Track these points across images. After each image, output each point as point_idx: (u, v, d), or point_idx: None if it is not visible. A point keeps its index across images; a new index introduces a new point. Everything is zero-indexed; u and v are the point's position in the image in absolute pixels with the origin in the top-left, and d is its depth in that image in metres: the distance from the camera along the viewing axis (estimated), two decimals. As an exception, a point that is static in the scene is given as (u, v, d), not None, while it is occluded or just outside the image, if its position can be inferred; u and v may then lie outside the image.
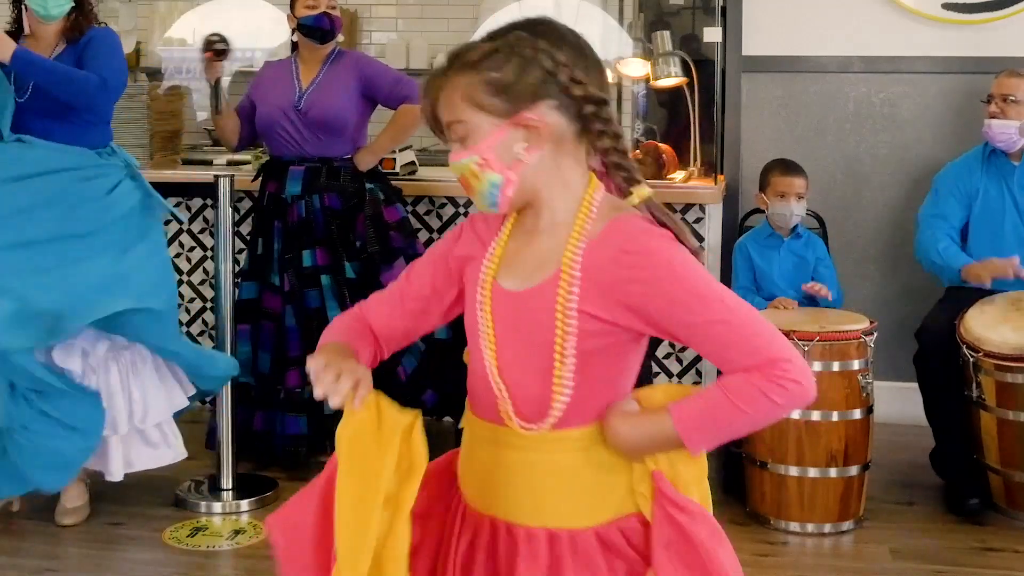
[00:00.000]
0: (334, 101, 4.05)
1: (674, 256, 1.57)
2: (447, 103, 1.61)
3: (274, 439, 4.01)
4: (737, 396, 1.55)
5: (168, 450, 3.64)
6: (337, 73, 4.10)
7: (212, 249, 4.52)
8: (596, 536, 1.64)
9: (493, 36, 1.62)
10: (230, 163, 4.83)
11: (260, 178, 4.16)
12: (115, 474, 3.56)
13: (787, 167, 4.11)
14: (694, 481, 1.69)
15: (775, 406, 1.56)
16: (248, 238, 4.28)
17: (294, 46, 4.20)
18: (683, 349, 4.51)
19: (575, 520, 1.64)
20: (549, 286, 1.60)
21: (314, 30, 4.04)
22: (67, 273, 3.35)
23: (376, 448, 1.59)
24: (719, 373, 1.61)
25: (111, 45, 3.60)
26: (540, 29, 1.61)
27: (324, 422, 3.98)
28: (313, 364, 1.61)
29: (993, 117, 3.97)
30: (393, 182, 4.32)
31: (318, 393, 1.57)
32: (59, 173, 3.45)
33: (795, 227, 4.11)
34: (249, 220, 4.40)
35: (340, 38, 4.16)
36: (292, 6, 4.10)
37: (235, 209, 3.90)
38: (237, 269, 4.04)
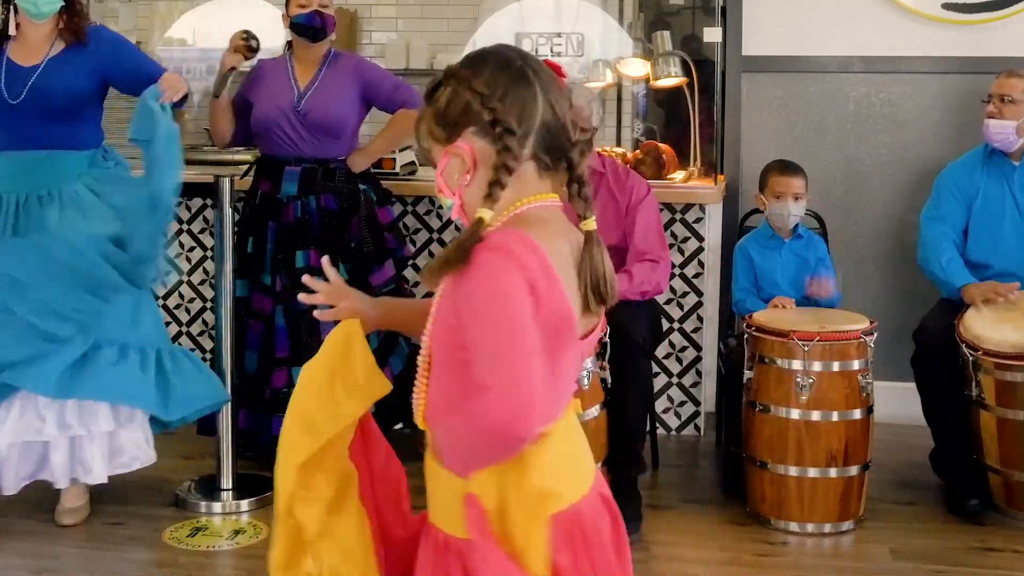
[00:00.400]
0: (334, 103, 4.05)
1: (486, 268, 1.59)
2: (420, 133, 1.75)
3: (259, 438, 4.01)
4: (458, 414, 1.60)
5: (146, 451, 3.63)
6: (336, 75, 4.10)
7: (212, 249, 4.52)
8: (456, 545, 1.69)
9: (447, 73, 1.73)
10: (230, 163, 4.80)
11: (251, 176, 4.14)
12: (98, 476, 3.54)
13: (784, 167, 4.10)
14: (524, 520, 1.64)
15: (475, 419, 1.56)
16: (236, 238, 4.27)
17: (289, 45, 4.20)
18: (683, 349, 4.52)
19: (449, 527, 1.71)
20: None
21: (306, 28, 4.05)
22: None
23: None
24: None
25: (125, 40, 3.70)
26: (473, 57, 1.72)
27: None
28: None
29: (991, 117, 3.97)
30: (393, 182, 4.33)
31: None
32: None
33: (796, 228, 4.11)
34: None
35: (332, 36, 4.16)
36: (286, 5, 4.11)
37: (235, 209, 3.90)
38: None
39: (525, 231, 1.62)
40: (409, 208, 4.51)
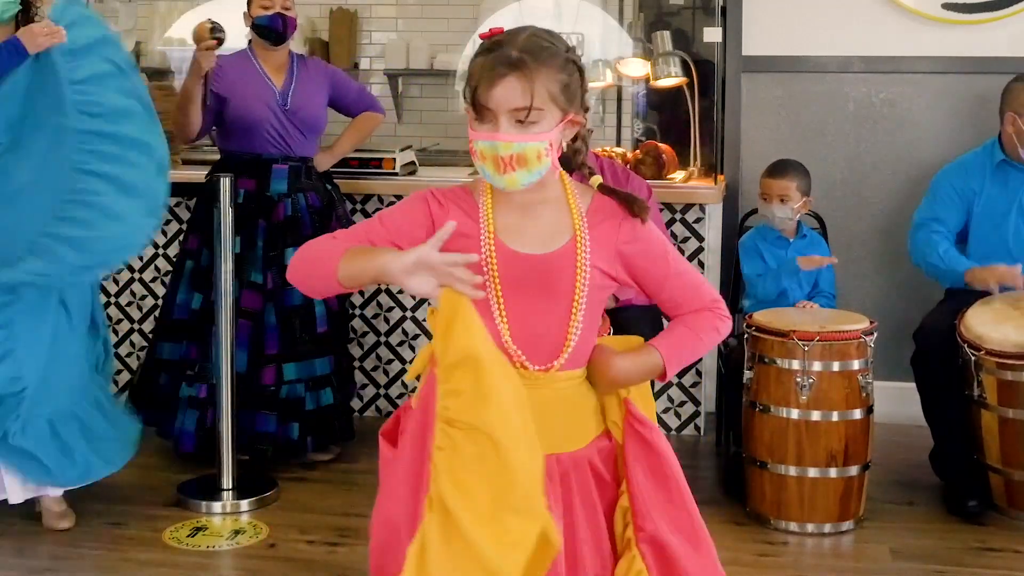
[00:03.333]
0: (315, 103, 4.17)
1: (651, 225, 2.04)
2: (536, 90, 1.90)
3: (243, 436, 4.01)
4: (697, 328, 2.06)
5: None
6: (310, 76, 4.20)
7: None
8: (583, 456, 2.03)
9: (549, 38, 1.98)
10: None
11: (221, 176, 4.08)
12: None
13: (772, 169, 4.06)
14: (646, 409, 2.09)
15: (718, 333, 2.08)
16: (183, 243, 4.29)
17: (249, 43, 4.21)
18: (683, 349, 4.51)
19: (571, 444, 2.02)
20: (569, 248, 1.98)
21: (268, 30, 4.08)
22: None
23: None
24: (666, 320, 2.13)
25: None
26: (562, 43, 2.00)
27: (307, 421, 4.03)
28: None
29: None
30: (393, 182, 4.42)
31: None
32: None
33: (800, 228, 4.10)
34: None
35: (291, 39, 4.19)
36: (248, 4, 4.11)
37: (235, 209, 3.89)
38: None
39: (599, 194, 2.05)
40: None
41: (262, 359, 4.04)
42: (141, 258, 4.76)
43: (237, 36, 4.25)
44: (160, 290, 4.71)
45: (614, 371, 2.02)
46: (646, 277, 2.04)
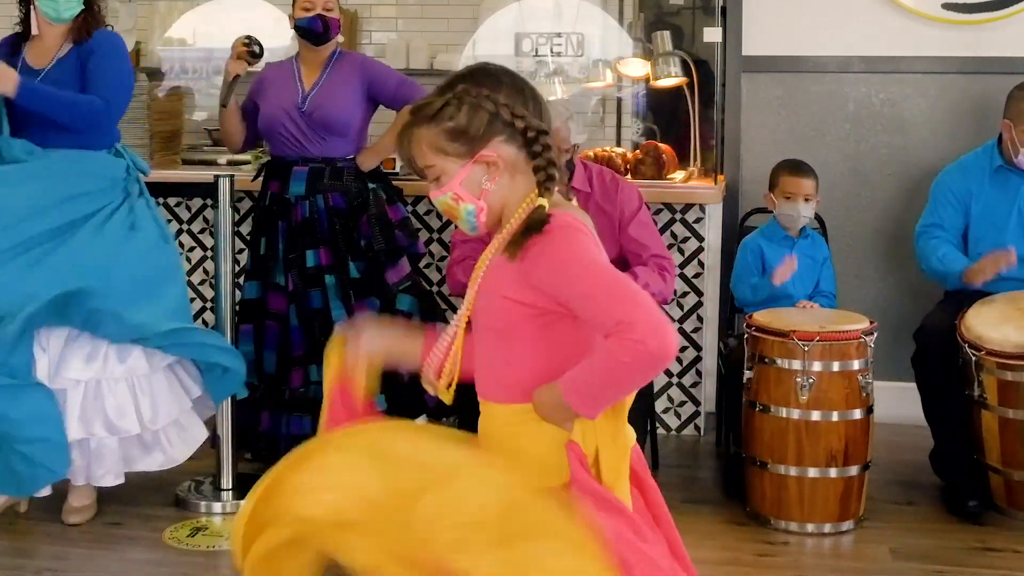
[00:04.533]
0: (338, 102, 4.05)
1: (564, 239, 1.86)
2: (418, 152, 1.93)
3: (279, 439, 4.01)
4: (600, 358, 1.80)
5: (162, 455, 3.62)
6: (340, 74, 4.10)
7: (212, 249, 4.52)
8: None
9: (443, 90, 1.93)
10: (230, 163, 4.83)
11: (261, 178, 4.15)
12: (105, 479, 3.55)
13: (796, 168, 4.08)
14: (613, 467, 1.93)
15: (623, 365, 1.78)
16: (249, 238, 4.27)
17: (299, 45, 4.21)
18: (683, 349, 4.52)
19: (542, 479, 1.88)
20: (484, 280, 1.96)
21: (308, 32, 4.05)
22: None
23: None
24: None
25: (117, 55, 3.61)
26: (478, 78, 1.94)
27: None
28: None
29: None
30: (397, 182, 4.34)
31: None
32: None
33: (803, 227, 4.11)
34: (249, 220, 4.41)
35: (340, 39, 4.16)
36: (293, 6, 4.11)
37: (235, 209, 3.89)
38: (237, 269, 4.04)
39: (571, 214, 1.92)
40: (410, 208, 4.50)
41: (290, 361, 4.04)
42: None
43: (269, 39, 4.23)
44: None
45: (535, 401, 1.90)
46: (560, 296, 1.85)
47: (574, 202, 2.05)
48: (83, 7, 3.54)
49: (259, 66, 4.17)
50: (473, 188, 1.92)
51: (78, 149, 3.54)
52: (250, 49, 4.00)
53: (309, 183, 4.02)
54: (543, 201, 1.88)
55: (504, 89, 1.92)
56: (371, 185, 4.10)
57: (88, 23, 3.56)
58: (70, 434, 3.38)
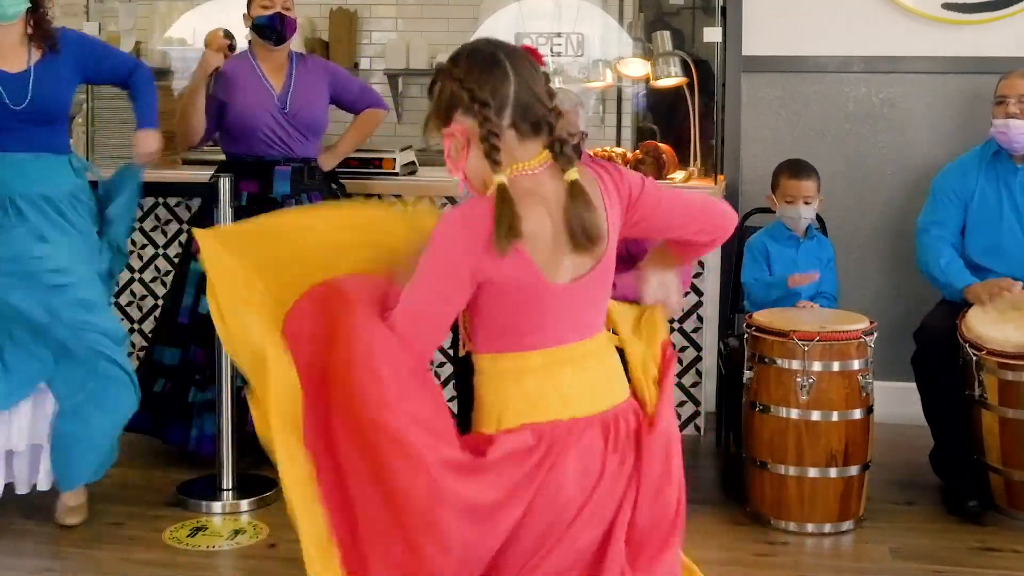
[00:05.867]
0: (316, 104, 4.16)
1: (437, 230, 1.99)
2: (429, 129, 2.08)
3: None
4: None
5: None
6: (308, 76, 4.19)
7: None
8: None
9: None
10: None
11: (228, 178, 4.09)
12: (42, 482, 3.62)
13: (796, 171, 4.06)
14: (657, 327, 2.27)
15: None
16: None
17: (249, 44, 4.21)
18: (683, 349, 4.52)
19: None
20: None
21: (267, 30, 4.08)
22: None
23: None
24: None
25: (96, 40, 3.79)
26: (454, 53, 2.05)
27: None
28: None
29: (1011, 118, 3.91)
30: (393, 182, 4.39)
31: None
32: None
33: (809, 227, 4.11)
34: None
35: (291, 39, 4.19)
36: (248, 4, 4.12)
37: (235, 209, 3.89)
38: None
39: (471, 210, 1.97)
40: (410, 208, 4.50)
41: None
42: (141, 258, 4.76)
43: (239, 39, 4.25)
44: (160, 290, 4.70)
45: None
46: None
47: (570, 175, 2.01)
48: (29, 4, 3.47)
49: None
50: (455, 160, 2.02)
51: (56, 153, 3.57)
52: (230, 44, 4.07)
53: (293, 182, 4.07)
54: (500, 177, 1.95)
55: (462, 63, 2.00)
56: (333, 185, 4.25)
57: (41, 27, 3.50)
58: (19, 444, 3.52)
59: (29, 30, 3.51)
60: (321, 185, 4.17)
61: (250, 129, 4.09)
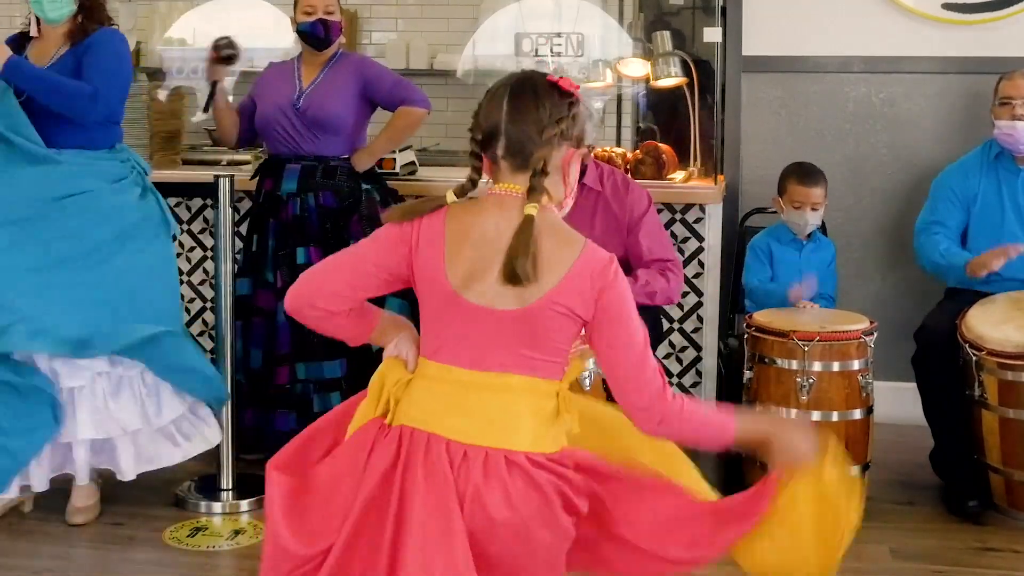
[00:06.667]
0: (332, 101, 4.08)
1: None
2: None
3: (264, 436, 4.01)
4: None
5: (177, 449, 3.67)
6: (337, 74, 4.13)
7: (212, 249, 4.52)
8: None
9: None
10: (230, 163, 4.82)
11: (258, 177, 4.18)
12: (126, 473, 3.59)
13: (804, 177, 4.05)
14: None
15: None
16: (244, 236, 4.29)
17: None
18: (683, 349, 4.51)
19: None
20: None
21: (310, 36, 4.08)
22: (90, 295, 3.44)
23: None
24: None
25: (112, 52, 3.59)
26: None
27: (314, 419, 4.00)
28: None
29: (1018, 119, 3.89)
30: (394, 182, 4.34)
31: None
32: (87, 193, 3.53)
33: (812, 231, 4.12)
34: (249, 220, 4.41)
35: (342, 40, 4.18)
36: (294, 8, 4.13)
37: (235, 209, 3.90)
38: (237, 269, 4.04)
39: (451, 206, 2.08)
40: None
41: (276, 358, 4.04)
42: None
43: (269, 39, 4.26)
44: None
45: None
46: None
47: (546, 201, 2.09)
48: (75, 7, 3.53)
49: (262, 65, 4.19)
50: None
51: (79, 148, 3.56)
52: (220, 55, 4.05)
53: (301, 180, 4.05)
54: (449, 194, 2.09)
55: (483, 98, 2.13)
56: (365, 186, 4.12)
57: (85, 25, 3.56)
58: (81, 434, 3.46)
59: (74, 27, 3.57)
60: (340, 186, 4.06)
61: (265, 126, 4.14)
